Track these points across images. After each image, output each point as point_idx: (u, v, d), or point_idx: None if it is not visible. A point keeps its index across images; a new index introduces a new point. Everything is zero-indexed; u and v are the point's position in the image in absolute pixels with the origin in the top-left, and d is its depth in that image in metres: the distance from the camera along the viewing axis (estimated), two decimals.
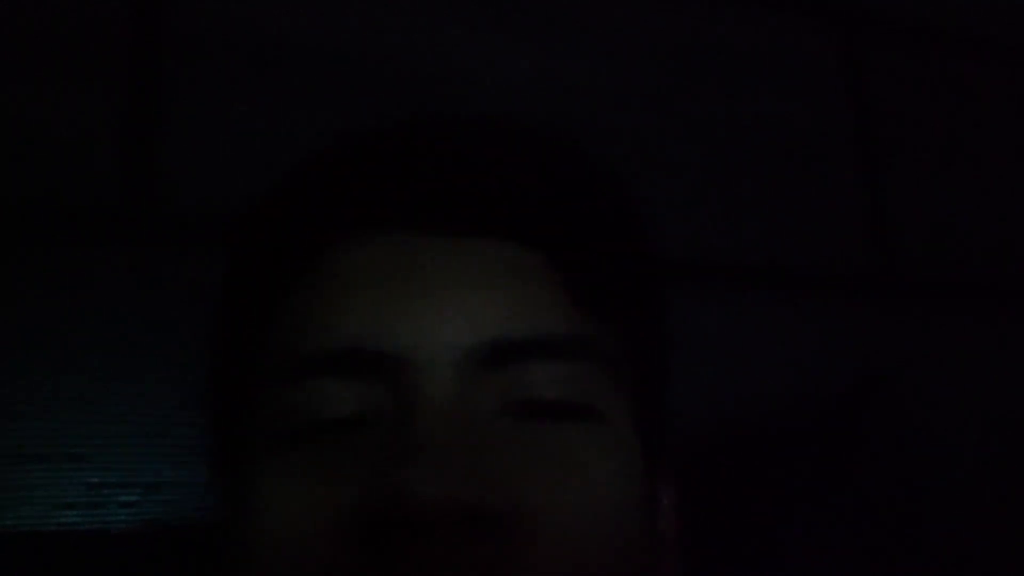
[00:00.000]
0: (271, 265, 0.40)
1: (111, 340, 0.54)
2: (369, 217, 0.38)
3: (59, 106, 0.56)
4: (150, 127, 0.58)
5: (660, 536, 0.40)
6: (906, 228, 0.74)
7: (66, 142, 0.56)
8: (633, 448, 0.37)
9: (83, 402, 0.53)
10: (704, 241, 0.68)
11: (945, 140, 0.78)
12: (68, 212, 0.55)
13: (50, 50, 0.57)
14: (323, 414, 0.35)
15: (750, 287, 0.67)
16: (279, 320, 0.38)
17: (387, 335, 0.35)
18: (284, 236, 0.40)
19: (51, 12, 0.57)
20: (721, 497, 0.60)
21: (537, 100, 0.65)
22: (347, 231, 0.38)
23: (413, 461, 0.32)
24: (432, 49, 0.64)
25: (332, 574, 0.32)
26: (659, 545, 0.39)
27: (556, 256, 0.38)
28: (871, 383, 0.67)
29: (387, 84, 0.63)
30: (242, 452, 0.38)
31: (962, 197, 0.77)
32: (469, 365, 0.35)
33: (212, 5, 0.60)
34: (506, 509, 0.32)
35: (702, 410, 0.63)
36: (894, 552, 0.65)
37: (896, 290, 0.72)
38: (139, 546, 0.52)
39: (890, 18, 0.79)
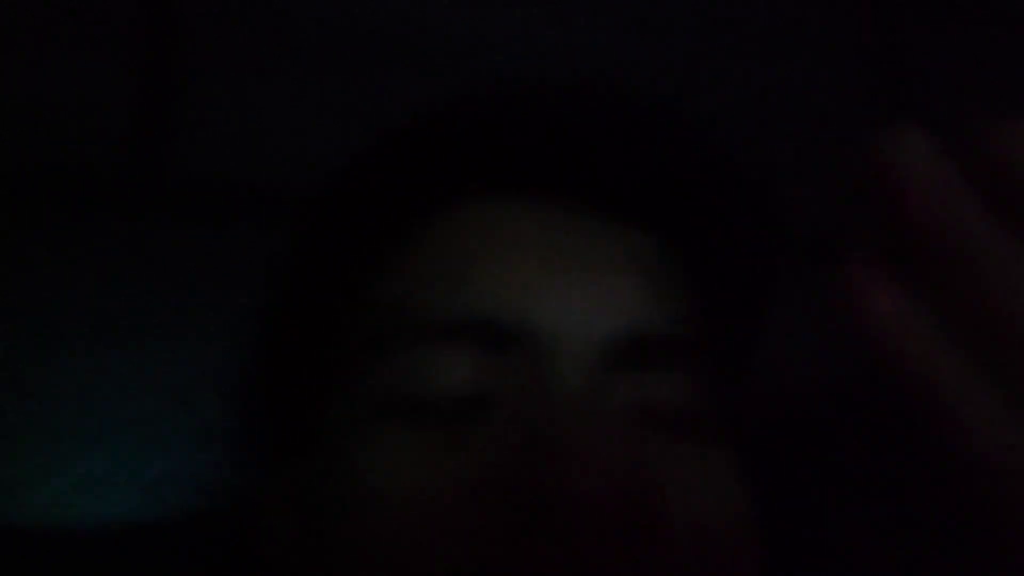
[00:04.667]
0: (382, 216, 0.35)
1: (111, 319, 0.51)
2: (503, 178, 0.34)
3: (73, 70, 0.53)
4: (166, 93, 0.55)
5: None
6: None
7: (80, 106, 0.53)
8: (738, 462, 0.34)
9: (76, 389, 0.49)
10: None
11: None
12: (79, 176, 0.52)
13: (65, 14, 0.53)
14: (442, 387, 0.31)
15: None
16: (388, 280, 0.34)
17: (528, 309, 0.31)
18: (400, 184, 0.35)
19: None
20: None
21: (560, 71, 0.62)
22: (478, 191, 0.34)
23: (562, 459, 0.28)
24: (454, 19, 0.61)
25: (465, 551, 0.29)
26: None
27: (695, 251, 0.35)
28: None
29: (408, 57, 0.59)
30: (335, 426, 0.34)
31: None
32: (607, 360, 0.31)
33: None
34: (655, 520, 0.29)
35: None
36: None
37: None
38: (142, 539, 0.49)
39: None
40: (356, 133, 0.37)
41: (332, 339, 0.35)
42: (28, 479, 0.48)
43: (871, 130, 0.64)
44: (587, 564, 0.28)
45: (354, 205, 0.37)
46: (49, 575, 0.47)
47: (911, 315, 0.19)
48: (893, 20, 0.74)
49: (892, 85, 0.73)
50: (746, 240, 0.37)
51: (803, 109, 0.69)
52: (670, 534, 0.30)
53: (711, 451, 0.33)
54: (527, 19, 0.62)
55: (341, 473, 0.33)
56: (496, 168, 0.34)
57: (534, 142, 0.34)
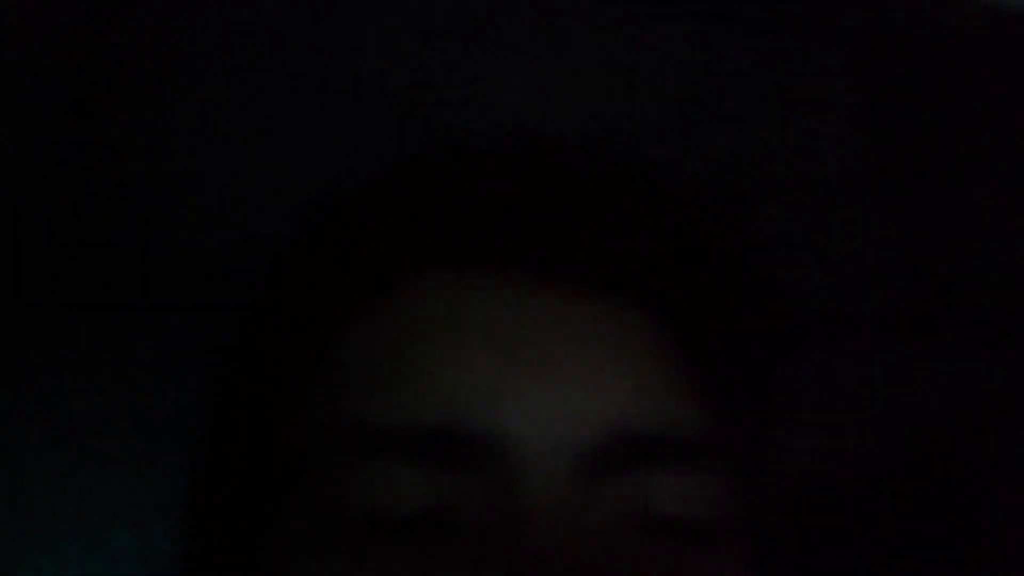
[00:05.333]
0: (325, 298, 0.30)
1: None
2: (461, 247, 0.29)
3: None
4: (90, 160, 0.50)
5: None
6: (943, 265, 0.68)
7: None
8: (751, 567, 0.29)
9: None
10: None
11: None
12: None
13: None
14: (394, 507, 0.26)
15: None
16: (329, 378, 0.29)
17: (494, 412, 0.26)
18: (344, 262, 0.30)
19: None
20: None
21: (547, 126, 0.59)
22: (430, 265, 0.29)
23: None
24: (419, 74, 0.57)
25: None
26: None
27: (689, 338, 0.30)
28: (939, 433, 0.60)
29: (357, 112, 0.55)
30: (274, 552, 0.28)
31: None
32: (592, 462, 0.26)
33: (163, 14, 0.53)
34: None
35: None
36: None
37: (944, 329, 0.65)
38: None
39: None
40: (294, 200, 0.33)
41: (274, 453, 0.30)
42: None
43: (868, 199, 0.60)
44: None
45: (288, 289, 0.32)
46: None
47: None
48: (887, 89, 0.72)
49: (888, 152, 0.70)
50: (745, 312, 0.32)
51: (799, 177, 0.66)
52: None
53: (721, 557, 0.28)
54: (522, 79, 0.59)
55: None
56: (452, 237, 0.30)
57: (496, 204, 0.29)
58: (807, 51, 0.70)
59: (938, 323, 0.65)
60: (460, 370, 0.27)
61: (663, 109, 0.62)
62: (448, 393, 0.27)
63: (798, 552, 0.50)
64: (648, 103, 0.62)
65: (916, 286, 0.66)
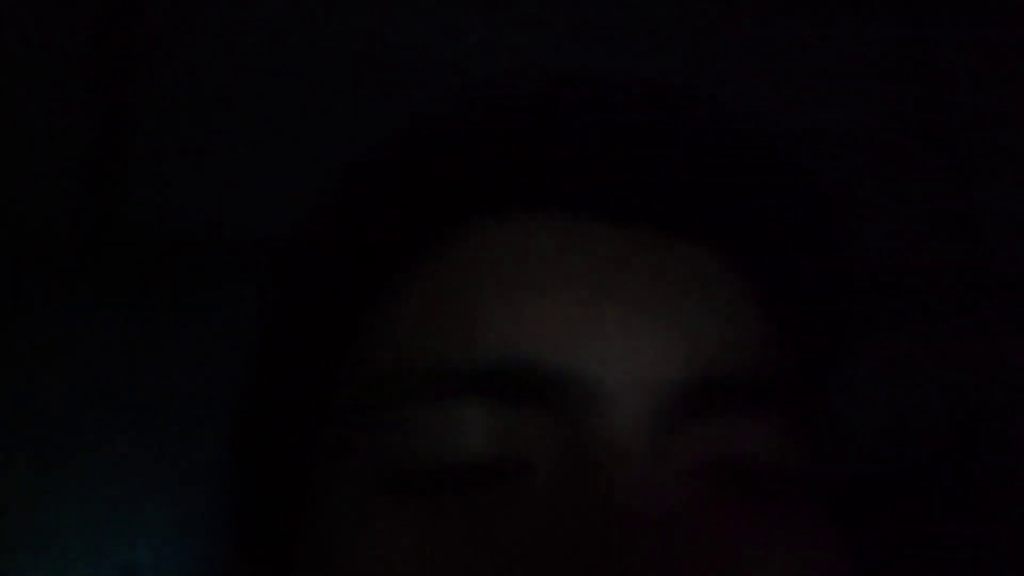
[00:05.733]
0: (368, 251, 0.29)
1: (75, 394, 0.45)
2: (525, 187, 0.28)
3: (21, 129, 0.49)
4: (118, 150, 0.50)
5: None
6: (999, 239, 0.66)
7: (30, 168, 0.48)
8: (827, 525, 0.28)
9: (42, 472, 0.44)
10: None
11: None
12: (30, 243, 0.48)
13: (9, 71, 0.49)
14: (463, 452, 0.25)
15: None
16: (394, 321, 0.28)
17: (566, 352, 0.25)
18: (388, 214, 0.29)
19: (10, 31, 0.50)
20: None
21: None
22: (494, 203, 0.28)
23: (628, 540, 0.22)
24: (426, 37, 0.56)
25: None
26: None
27: (763, 278, 0.29)
28: (985, 407, 0.59)
29: (379, 83, 0.54)
30: (333, 507, 0.27)
31: None
32: (674, 407, 0.25)
33: (182, 18, 0.53)
34: None
35: None
36: None
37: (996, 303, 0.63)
38: None
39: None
40: (326, 175, 0.32)
41: (324, 404, 0.29)
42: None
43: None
44: None
45: (339, 236, 0.31)
46: None
47: None
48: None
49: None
50: (820, 259, 0.31)
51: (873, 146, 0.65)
52: None
53: (799, 509, 0.27)
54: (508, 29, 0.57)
55: (340, 568, 0.26)
56: (514, 175, 0.28)
57: (560, 141, 0.28)
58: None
59: (1004, 299, 0.64)
60: (528, 305, 0.26)
61: (720, 56, 0.61)
62: (516, 330, 0.25)
63: (867, 510, 0.48)
64: (703, 49, 0.60)
65: (984, 261, 0.64)
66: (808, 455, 0.27)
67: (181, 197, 0.50)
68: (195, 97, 0.52)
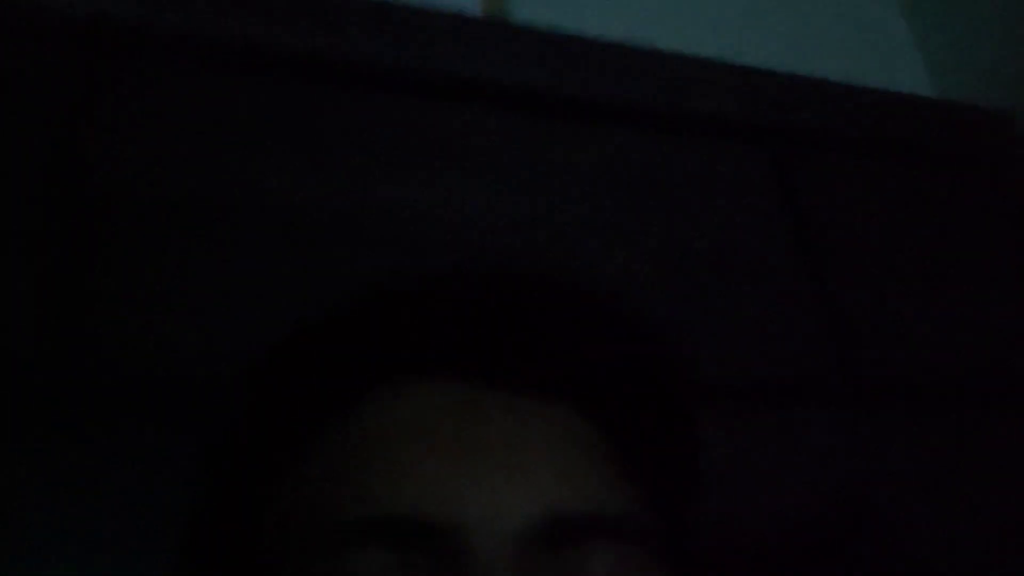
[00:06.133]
0: (296, 412, 0.35)
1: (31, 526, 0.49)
2: (417, 360, 0.35)
3: None
4: (73, 289, 0.54)
5: None
6: (862, 336, 0.73)
7: None
8: None
9: None
10: None
11: (886, 247, 0.78)
12: None
13: None
14: None
15: (711, 405, 0.65)
16: (304, 479, 0.34)
17: (444, 501, 0.31)
18: (313, 379, 0.36)
19: None
20: None
21: (490, 237, 0.64)
22: (389, 375, 0.35)
23: None
24: (375, 199, 0.62)
25: None
26: None
27: (614, 429, 0.35)
28: (855, 499, 0.65)
29: (328, 238, 0.60)
30: None
31: (911, 302, 0.77)
32: (531, 542, 0.31)
33: (134, 161, 0.58)
34: None
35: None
36: None
37: (862, 398, 0.70)
38: None
39: (816, 134, 0.81)
40: (268, 320, 0.37)
41: (251, 545, 0.34)
42: None
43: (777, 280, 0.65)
44: None
45: (260, 407, 0.37)
46: None
47: None
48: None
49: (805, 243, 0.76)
50: (663, 402, 0.37)
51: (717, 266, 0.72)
52: None
53: None
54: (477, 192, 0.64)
55: None
56: (406, 349, 0.35)
57: (442, 318, 0.35)
58: (728, 150, 0.76)
59: (852, 392, 0.71)
60: (415, 463, 0.32)
61: (591, 218, 0.68)
62: (404, 484, 0.32)
63: None
64: (576, 216, 0.67)
65: (829, 357, 0.71)
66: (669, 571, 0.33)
67: (133, 334, 0.54)
68: (151, 238, 0.56)
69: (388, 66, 0.67)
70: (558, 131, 0.70)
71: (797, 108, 0.81)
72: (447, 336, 0.35)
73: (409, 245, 0.59)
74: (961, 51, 0.97)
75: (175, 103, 0.61)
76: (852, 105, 0.84)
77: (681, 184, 0.73)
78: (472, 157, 0.66)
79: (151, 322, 0.55)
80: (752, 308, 0.70)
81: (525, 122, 0.69)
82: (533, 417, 0.34)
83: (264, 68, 0.64)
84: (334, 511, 0.32)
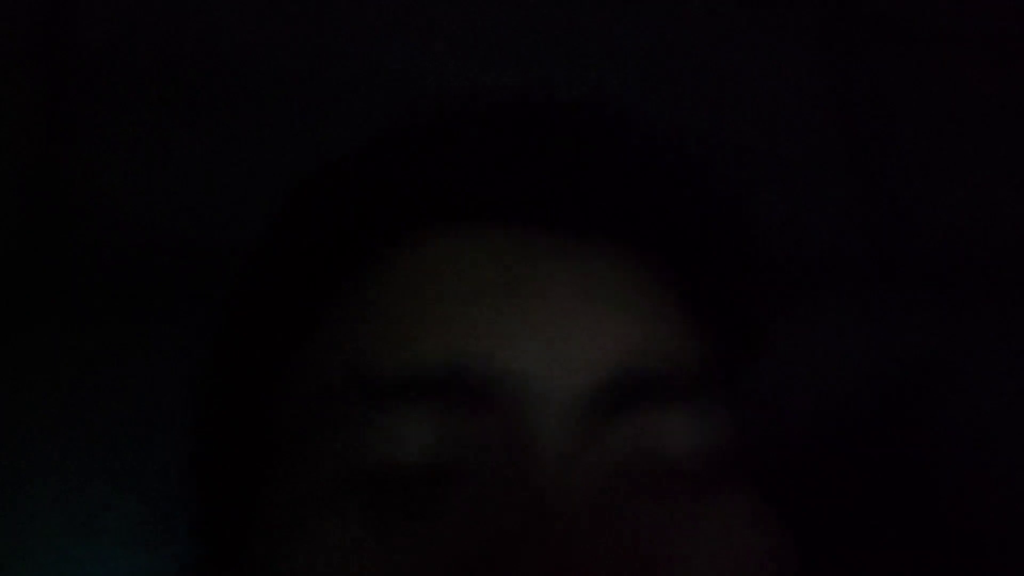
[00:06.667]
0: (321, 259, 0.30)
1: (27, 406, 0.46)
2: (456, 201, 0.29)
3: None
4: (61, 157, 0.50)
5: None
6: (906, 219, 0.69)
7: None
8: (761, 514, 0.29)
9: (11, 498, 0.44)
10: None
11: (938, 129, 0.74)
12: None
13: None
14: (399, 458, 0.26)
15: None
16: (328, 336, 0.29)
17: (498, 357, 0.26)
18: (342, 220, 0.31)
19: None
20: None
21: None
22: (426, 217, 0.29)
23: (559, 533, 0.24)
24: (380, 62, 0.57)
25: None
26: None
27: (684, 277, 0.30)
28: (915, 376, 0.61)
29: (341, 95, 0.55)
30: (279, 511, 0.28)
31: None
32: (599, 403, 0.27)
33: (131, 12, 0.53)
34: None
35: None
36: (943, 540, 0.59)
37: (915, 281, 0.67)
38: None
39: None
40: (277, 182, 0.33)
41: (269, 412, 0.30)
42: None
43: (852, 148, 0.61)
44: None
45: (283, 251, 0.32)
46: None
47: None
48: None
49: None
50: (737, 253, 0.33)
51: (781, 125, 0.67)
52: None
53: (730, 496, 0.28)
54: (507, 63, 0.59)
55: (281, 571, 0.27)
56: (449, 192, 0.30)
57: (489, 158, 0.30)
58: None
59: (919, 272, 0.67)
60: (461, 314, 0.27)
61: (645, 72, 0.62)
62: (450, 338, 0.27)
63: (796, 491, 0.50)
64: (630, 65, 0.62)
65: (898, 236, 0.67)
66: (734, 442, 0.29)
67: (130, 204, 0.50)
68: (145, 98, 0.52)
69: None
70: None
71: None
72: (489, 172, 0.30)
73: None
74: None
75: None
76: None
77: (729, 52, 0.68)
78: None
79: (152, 190, 0.51)
80: (800, 184, 0.66)
81: None
82: (595, 261, 0.29)
83: None
84: (374, 364, 0.27)
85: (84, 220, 0.50)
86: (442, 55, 0.57)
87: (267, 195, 0.33)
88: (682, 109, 0.62)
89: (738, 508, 0.28)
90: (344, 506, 0.27)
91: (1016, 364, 0.66)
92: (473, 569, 0.24)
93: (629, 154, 0.31)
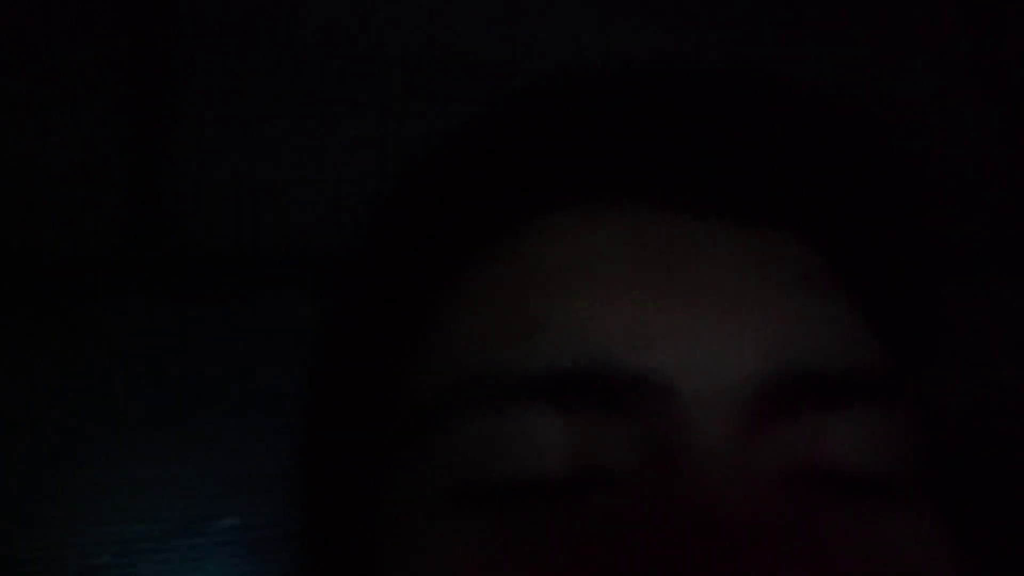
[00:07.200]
0: (436, 246, 0.27)
1: (129, 414, 0.45)
2: (590, 178, 0.26)
3: (56, 145, 0.47)
4: (159, 161, 0.48)
5: None
6: None
7: (68, 185, 0.47)
8: (937, 527, 0.26)
9: (95, 496, 0.43)
10: None
11: None
12: (74, 263, 0.46)
13: (44, 83, 0.48)
14: (533, 464, 0.23)
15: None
16: (447, 328, 0.26)
17: (640, 352, 0.23)
18: (463, 203, 0.28)
19: (44, 42, 0.48)
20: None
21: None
22: (554, 202, 0.26)
23: (724, 546, 0.21)
24: (482, 31, 0.54)
25: None
26: None
27: (850, 266, 0.27)
28: None
29: (432, 82, 0.52)
30: (392, 523, 0.26)
31: None
32: (758, 405, 0.23)
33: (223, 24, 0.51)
34: None
35: None
36: None
37: None
38: None
39: None
40: (375, 180, 0.31)
41: (383, 419, 0.27)
42: None
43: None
44: None
45: (398, 238, 0.30)
46: None
47: None
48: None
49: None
50: (910, 244, 0.29)
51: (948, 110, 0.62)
52: None
53: (904, 509, 0.25)
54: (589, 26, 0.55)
55: None
56: (583, 168, 0.27)
57: (631, 133, 0.26)
58: None
59: None
60: (601, 303, 0.24)
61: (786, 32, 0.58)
62: (589, 330, 0.24)
63: (977, 505, 0.46)
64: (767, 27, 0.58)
65: None
66: (908, 451, 0.26)
67: (230, 208, 0.49)
68: (242, 101, 0.51)
69: None
70: None
71: None
72: (627, 151, 0.27)
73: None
74: None
75: None
76: None
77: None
78: None
79: (253, 191, 0.48)
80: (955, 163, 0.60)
81: None
82: (747, 249, 0.26)
83: None
84: (493, 362, 0.24)
85: (185, 222, 0.49)
86: (568, 24, 0.54)
87: (370, 195, 0.31)
88: (827, 74, 0.58)
89: (914, 524, 0.25)
90: (464, 519, 0.24)
91: None
92: None
93: (789, 129, 0.28)
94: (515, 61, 0.52)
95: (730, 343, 0.24)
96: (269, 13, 0.52)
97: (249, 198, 0.49)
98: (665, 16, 0.56)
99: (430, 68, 0.52)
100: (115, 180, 0.47)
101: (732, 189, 0.26)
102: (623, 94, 0.28)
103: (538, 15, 0.54)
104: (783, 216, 0.27)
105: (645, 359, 0.23)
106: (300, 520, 0.31)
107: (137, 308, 0.46)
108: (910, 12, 0.63)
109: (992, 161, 0.60)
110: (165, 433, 0.46)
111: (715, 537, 0.21)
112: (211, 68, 0.51)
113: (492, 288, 0.26)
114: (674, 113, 0.27)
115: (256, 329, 0.46)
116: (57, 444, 0.44)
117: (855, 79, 0.56)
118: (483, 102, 0.31)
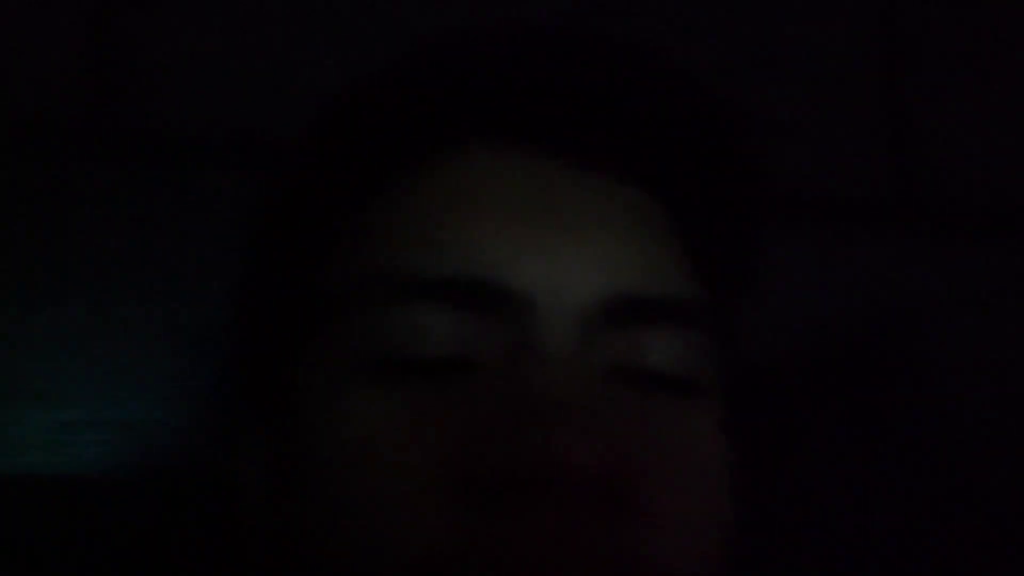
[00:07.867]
0: (360, 165, 0.34)
1: (80, 267, 0.49)
2: (496, 119, 0.33)
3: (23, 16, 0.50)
4: (121, 39, 0.52)
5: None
6: (929, 152, 0.70)
7: (33, 52, 0.50)
8: (721, 423, 0.34)
9: (50, 337, 0.49)
10: None
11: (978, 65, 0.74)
12: (38, 126, 0.50)
13: None
14: (422, 348, 0.30)
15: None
16: (368, 234, 0.33)
17: (516, 268, 0.30)
18: (383, 129, 0.34)
19: None
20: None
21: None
22: (456, 136, 0.33)
23: (551, 421, 0.28)
24: None
25: (437, 533, 0.29)
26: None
27: (686, 214, 0.34)
28: (894, 318, 0.64)
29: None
30: (308, 388, 0.33)
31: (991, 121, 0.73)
32: (597, 318, 0.31)
33: None
34: (633, 483, 0.29)
35: None
36: (911, 488, 0.63)
37: (920, 218, 0.68)
38: (109, 488, 0.49)
39: None
40: (326, 74, 0.35)
41: (306, 296, 0.34)
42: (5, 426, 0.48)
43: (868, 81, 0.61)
44: (570, 534, 0.28)
45: (329, 153, 0.35)
46: (28, 518, 0.47)
47: None
48: None
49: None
50: (740, 195, 0.36)
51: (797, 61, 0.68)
52: (655, 505, 0.29)
53: (697, 405, 0.33)
54: None
55: (313, 437, 0.32)
56: (485, 114, 0.33)
57: (527, 87, 0.33)
58: None
59: (919, 213, 0.68)
60: (488, 229, 0.31)
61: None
62: (476, 248, 0.31)
63: (767, 413, 0.54)
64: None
65: (901, 175, 0.68)
66: (708, 364, 0.33)
67: (181, 90, 0.52)
68: None
69: None
70: None
71: None
72: (520, 98, 0.33)
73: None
74: None
75: None
76: None
77: None
78: None
79: (206, 71, 0.52)
80: (819, 112, 0.67)
81: None
82: (604, 194, 0.33)
83: None
84: (397, 270, 0.31)
85: (136, 102, 0.52)
86: None
87: (314, 90, 0.35)
88: (708, 47, 0.63)
89: (704, 417, 0.33)
90: (369, 386, 0.31)
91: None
92: (483, 444, 0.29)
93: (659, 98, 0.34)
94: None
95: (580, 269, 0.31)
96: None
97: (208, 79, 0.53)
98: None
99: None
100: (76, 56, 0.50)
101: (606, 143, 0.33)
102: (537, 49, 0.34)
103: None
104: (637, 169, 0.34)
105: (515, 276, 0.30)
106: (230, 369, 0.37)
107: (93, 172, 0.50)
108: None
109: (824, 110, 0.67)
110: (107, 284, 0.50)
111: (551, 412, 0.29)
112: None
113: (409, 202, 0.33)
114: (573, 70, 0.33)
115: (199, 202, 0.50)
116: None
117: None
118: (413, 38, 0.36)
